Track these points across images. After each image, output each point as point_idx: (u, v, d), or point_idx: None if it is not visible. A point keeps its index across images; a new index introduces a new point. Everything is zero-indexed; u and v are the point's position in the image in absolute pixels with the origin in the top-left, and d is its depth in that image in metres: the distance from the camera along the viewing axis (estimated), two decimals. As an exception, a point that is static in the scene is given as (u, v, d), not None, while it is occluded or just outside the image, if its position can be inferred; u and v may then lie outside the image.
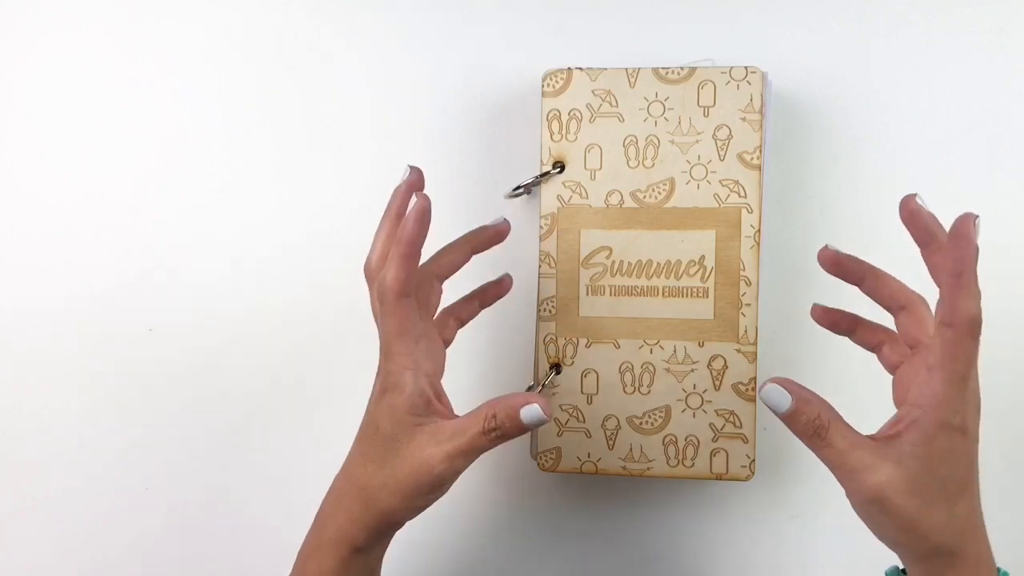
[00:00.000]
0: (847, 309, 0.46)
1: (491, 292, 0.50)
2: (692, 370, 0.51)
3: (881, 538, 0.40)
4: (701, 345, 0.51)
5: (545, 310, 0.52)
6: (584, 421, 0.51)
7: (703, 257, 0.51)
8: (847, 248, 0.43)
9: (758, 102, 0.50)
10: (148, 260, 0.57)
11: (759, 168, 0.50)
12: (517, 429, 0.41)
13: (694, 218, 0.51)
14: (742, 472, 0.51)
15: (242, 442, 0.57)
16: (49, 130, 0.58)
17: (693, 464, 0.51)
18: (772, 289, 0.54)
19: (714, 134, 0.50)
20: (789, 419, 0.39)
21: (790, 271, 0.54)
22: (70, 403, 0.58)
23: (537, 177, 0.52)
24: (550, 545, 0.56)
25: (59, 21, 0.57)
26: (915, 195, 0.40)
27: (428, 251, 0.43)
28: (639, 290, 0.51)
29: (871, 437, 0.39)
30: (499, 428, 0.40)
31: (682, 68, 0.51)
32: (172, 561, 0.58)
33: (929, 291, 0.40)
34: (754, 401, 0.51)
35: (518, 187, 0.53)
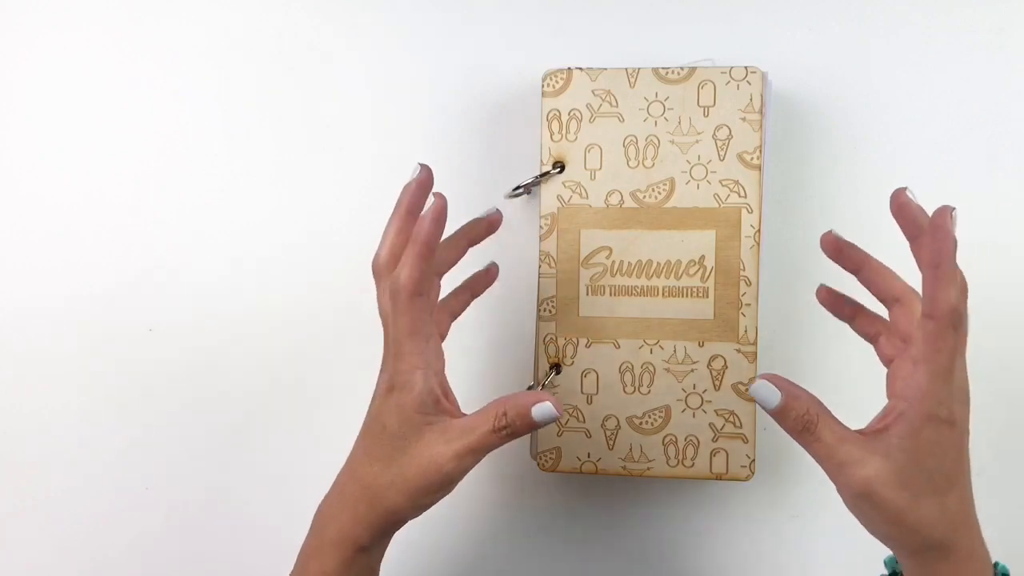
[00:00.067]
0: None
1: (481, 282, 0.50)
2: (692, 370, 0.51)
3: (873, 532, 0.40)
4: (701, 345, 0.51)
5: (545, 310, 0.52)
6: (584, 421, 0.51)
7: (703, 257, 0.51)
8: (848, 247, 0.43)
9: (758, 102, 0.50)
10: (148, 260, 0.57)
11: (759, 168, 0.50)
12: (527, 427, 0.41)
13: (694, 218, 0.51)
14: (742, 472, 0.51)
15: (242, 442, 0.57)
16: (49, 130, 0.58)
17: (693, 464, 0.51)
18: (772, 289, 0.54)
19: (714, 134, 0.50)
20: (779, 415, 0.39)
21: (790, 271, 0.54)
22: (70, 403, 0.58)
23: (537, 177, 0.52)
24: (550, 545, 0.56)
25: (59, 21, 0.57)
26: (905, 188, 0.40)
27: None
28: (639, 290, 0.51)
29: (860, 432, 0.39)
30: (510, 426, 0.41)
31: (682, 68, 0.51)
32: (172, 561, 0.58)
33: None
34: (754, 401, 0.50)
35: (518, 187, 0.53)
